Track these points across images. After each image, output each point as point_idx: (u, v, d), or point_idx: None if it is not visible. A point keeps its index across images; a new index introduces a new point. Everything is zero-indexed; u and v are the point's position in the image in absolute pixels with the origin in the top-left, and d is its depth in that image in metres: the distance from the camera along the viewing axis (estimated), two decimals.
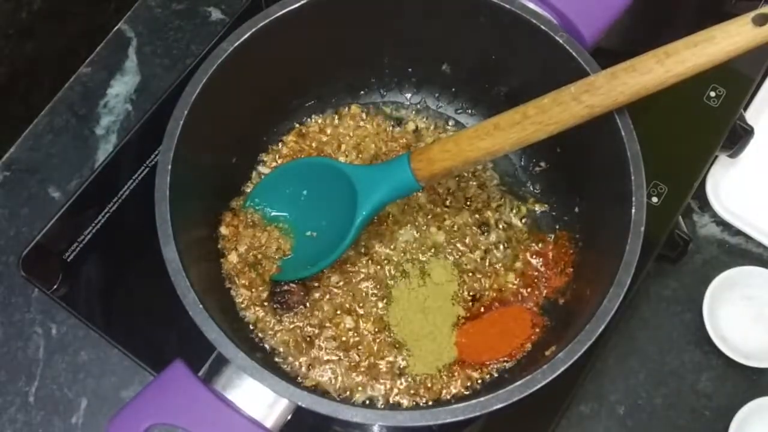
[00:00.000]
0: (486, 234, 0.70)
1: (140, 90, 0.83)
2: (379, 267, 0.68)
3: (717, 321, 0.76)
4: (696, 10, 0.86)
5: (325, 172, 0.65)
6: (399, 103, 0.76)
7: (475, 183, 0.72)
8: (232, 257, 0.66)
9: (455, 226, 0.70)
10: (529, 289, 0.68)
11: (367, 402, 0.63)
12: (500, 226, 0.70)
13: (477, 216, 0.71)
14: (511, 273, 0.68)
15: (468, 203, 0.71)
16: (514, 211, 0.71)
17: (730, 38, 0.51)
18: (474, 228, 0.70)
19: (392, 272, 0.68)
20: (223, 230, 0.67)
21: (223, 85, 0.60)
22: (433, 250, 0.69)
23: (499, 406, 0.51)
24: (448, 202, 0.71)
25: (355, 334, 0.65)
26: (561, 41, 0.60)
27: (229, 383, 0.53)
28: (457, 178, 0.72)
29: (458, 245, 0.69)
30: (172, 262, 0.53)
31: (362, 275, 0.68)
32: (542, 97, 0.55)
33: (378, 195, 0.61)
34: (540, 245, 0.70)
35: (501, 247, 0.70)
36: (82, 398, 0.71)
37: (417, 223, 0.70)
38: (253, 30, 0.61)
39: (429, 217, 0.70)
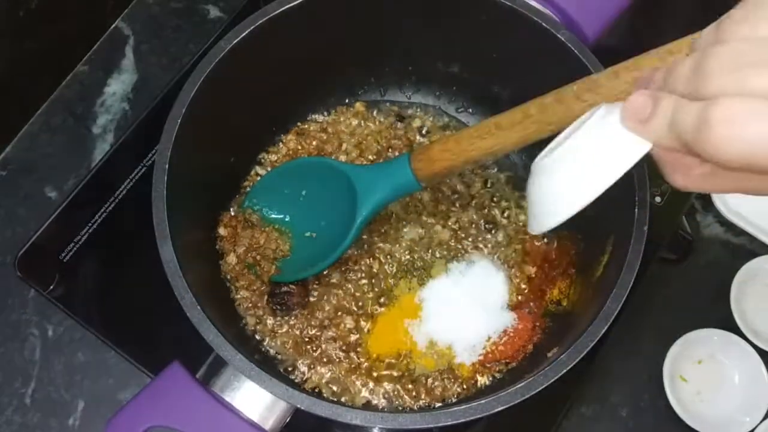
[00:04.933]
0: (493, 232, 0.70)
1: (137, 89, 0.82)
2: (380, 266, 0.68)
3: (745, 315, 0.75)
4: (698, 6, 0.86)
5: (324, 171, 0.64)
6: (399, 102, 0.76)
7: (480, 181, 0.72)
8: (231, 258, 0.66)
9: (461, 224, 0.70)
10: (530, 291, 0.67)
11: (368, 404, 0.63)
12: (505, 225, 0.70)
13: (483, 213, 0.70)
14: (514, 273, 0.68)
15: (474, 201, 0.71)
16: (518, 209, 0.71)
17: None
18: (480, 226, 0.70)
19: (393, 271, 0.68)
20: (222, 231, 0.67)
21: (221, 83, 0.60)
22: (438, 249, 0.68)
23: (501, 408, 0.50)
24: (453, 200, 0.71)
25: (356, 335, 0.65)
26: (563, 39, 0.60)
27: (228, 385, 0.53)
28: (461, 177, 0.72)
29: (463, 243, 0.69)
30: (169, 262, 0.53)
31: (363, 274, 0.67)
32: (544, 96, 0.55)
33: (378, 195, 0.60)
34: (542, 246, 0.69)
35: (505, 246, 0.69)
36: (79, 400, 0.70)
37: (422, 221, 0.69)
38: (252, 28, 0.60)
39: (434, 215, 0.70)
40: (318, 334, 0.65)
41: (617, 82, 0.53)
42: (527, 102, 0.55)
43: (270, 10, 0.61)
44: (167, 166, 0.56)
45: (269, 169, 0.71)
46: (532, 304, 0.66)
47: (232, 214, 0.68)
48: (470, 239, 0.69)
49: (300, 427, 0.56)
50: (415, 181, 0.59)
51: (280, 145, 0.73)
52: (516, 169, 0.73)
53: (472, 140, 0.56)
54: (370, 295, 0.67)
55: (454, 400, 0.63)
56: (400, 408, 0.63)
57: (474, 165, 0.68)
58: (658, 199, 0.74)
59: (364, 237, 0.68)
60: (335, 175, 0.63)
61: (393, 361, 0.64)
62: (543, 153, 0.47)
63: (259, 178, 0.70)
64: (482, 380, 0.63)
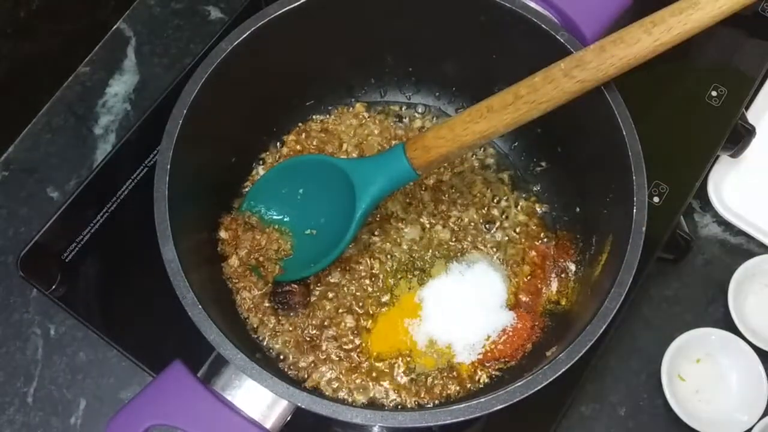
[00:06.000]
0: (493, 232, 0.70)
1: (139, 89, 0.83)
2: (380, 266, 0.68)
3: (743, 314, 0.76)
4: None
5: (320, 168, 0.65)
6: (399, 102, 0.76)
7: (480, 181, 0.72)
8: (233, 261, 0.66)
9: (461, 223, 0.70)
10: (530, 289, 0.67)
11: (368, 403, 0.63)
12: (505, 225, 0.70)
13: (483, 213, 0.71)
14: (513, 273, 0.68)
15: (474, 201, 0.71)
16: (517, 209, 0.71)
17: (714, 2, 0.51)
18: (480, 225, 0.70)
19: (393, 271, 0.68)
20: (222, 234, 0.67)
21: (223, 84, 0.60)
22: (438, 249, 0.69)
23: (500, 406, 0.51)
24: (454, 200, 0.71)
25: (356, 334, 0.65)
26: (562, 40, 0.60)
27: (229, 384, 0.53)
28: (462, 177, 0.72)
29: (463, 243, 0.69)
30: (171, 262, 0.53)
31: (364, 274, 0.67)
32: (533, 75, 0.55)
33: (376, 187, 0.61)
34: (541, 245, 0.69)
35: (504, 246, 0.69)
36: (81, 399, 0.70)
37: (422, 221, 0.70)
38: (253, 29, 0.61)
39: (434, 215, 0.70)
40: (318, 333, 0.65)
41: (604, 56, 0.53)
42: (517, 83, 0.56)
43: (271, 11, 0.61)
44: (169, 166, 0.56)
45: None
46: (531, 303, 0.67)
47: (233, 216, 0.68)
48: (470, 239, 0.70)
49: (300, 425, 0.56)
50: (411, 170, 0.59)
51: (281, 145, 0.73)
52: (516, 169, 0.73)
53: (465, 125, 0.57)
54: (371, 294, 0.67)
55: (453, 399, 0.63)
56: (400, 407, 0.63)
57: (469, 150, 0.68)
58: (656, 199, 0.74)
59: (365, 237, 0.69)
60: (331, 170, 0.63)
61: (393, 360, 0.65)
62: None
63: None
64: (482, 379, 0.64)
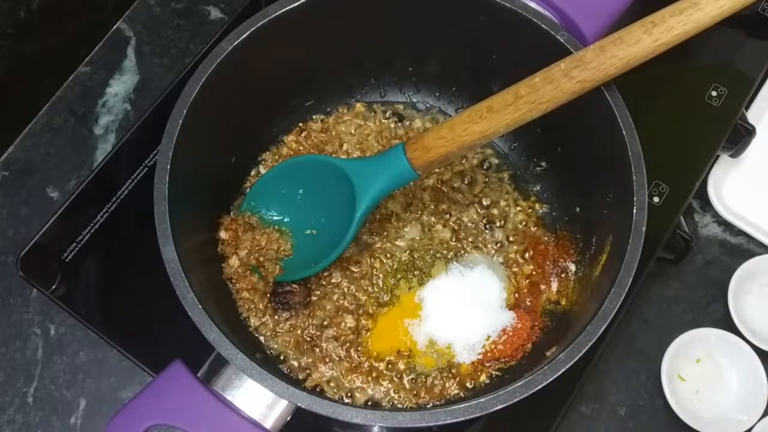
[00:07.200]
0: (491, 231, 0.70)
1: (139, 89, 0.83)
2: (380, 265, 0.68)
3: (743, 314, 0.76)
4: None
5: (319, 168, 0.65)
6: (399, 102, 0.76)
7: (481, 180, 0.72)
8: (233, 261, 0.66)
9: (461, 223, 0.70)
10: (530, 289, 0.67)
11: (368, 402, 0.63)
12: (505, 225, 0.70)
13: (483, 213, 0.71)
14: (513, 273, 0.68)
15: (474, 201, 0.71)
16: (517, 209, 0.71)
17: (714, 2, 0.51)
18: (480, 225, 0.70)
19: (394, 270, 0.68)
20: (222, 234, 0.67)
21: (223, 84, 0.60)
22: (438, 248, 0.69)
23: (500, 406, 0.51)
24: (454, 199, 0.71)
25: (356, 334, 0.65)
26: (562, 40, 0.60)
27: (229, 384, 0.53)
28: (462, 176, 0.72)
29: (463, 243, 0.69)
30: (171, 262, 0.53)
31: (364, 274, 0.67)
32: (532, 75, 0.55)
33: (376, 187, 0.61)
34: (541, 245, 0.69)
35: (504, 246, 0.69)
36: (81, 399, 0.70)
37: (422, 221, 0.70)
38: (253, 29, 0.61)
39: (435, 214, 0.70)
40: (319, 333, 0.65)
41: (604, 56, 0.53)
42: (517, 83, 0.56)
43: (271, 11, 0.61)
44: (169, 166, 0.56)
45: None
46: (531, 303, 0.67)
47: (233, 217, 0.68)
48: (470, 239, 0.70)
49: (300, 425, 0.56)
50: (411, 170, 0.59)
51: (281, 145, 0.73)
52: (516, 169, 0.73)
53: (465, 125, 0.57)
54: (371, 294, 0.67)
55: (453, 399, 0.63)
56: (400, 406, 0.63)
57: (469, 150, 0.68)
58: (656, 199, 0.74)
59: (365, 237, 0.69)
60: (331, 170, 0.63)
61: (393, 359, 0.65)
62: None
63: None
64: (481, 379, 0.64)
